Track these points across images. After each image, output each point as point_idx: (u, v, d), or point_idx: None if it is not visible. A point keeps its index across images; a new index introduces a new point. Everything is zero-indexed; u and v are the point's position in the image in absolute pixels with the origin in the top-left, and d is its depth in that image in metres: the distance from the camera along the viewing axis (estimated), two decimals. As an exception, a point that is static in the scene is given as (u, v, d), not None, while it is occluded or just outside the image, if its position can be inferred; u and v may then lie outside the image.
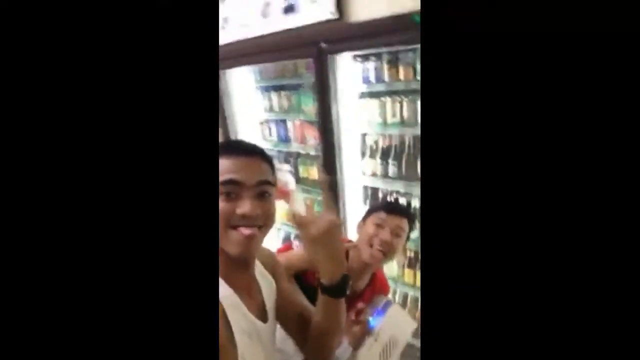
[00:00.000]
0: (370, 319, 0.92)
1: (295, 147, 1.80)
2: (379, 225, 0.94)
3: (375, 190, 1.61)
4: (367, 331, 0.91)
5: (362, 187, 1.62)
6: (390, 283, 1.57)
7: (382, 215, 0.95)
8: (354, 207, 1.58)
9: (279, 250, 1.04)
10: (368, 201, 1.64)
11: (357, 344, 0.90)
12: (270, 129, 1.90)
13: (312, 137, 1.68)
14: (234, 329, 0.56)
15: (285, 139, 1.85)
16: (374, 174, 1.55)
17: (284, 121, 1.82)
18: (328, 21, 1.23)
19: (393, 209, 0.97)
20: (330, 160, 1.50)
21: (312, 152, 1.70)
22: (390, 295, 1.59)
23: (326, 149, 1.49)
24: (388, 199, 1.57)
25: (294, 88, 1.71)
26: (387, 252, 0.94)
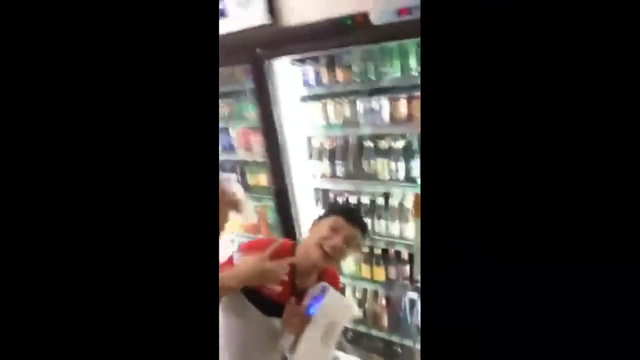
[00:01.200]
0: (310, 307, 0.96)
1: (241, 154, 1.75)
2: (334, 229, 0.96)
3: (325, 192, 1.62)
4: (305, 319, 0.94)
5: (313, 190, 1.62)
6: (349, 280, 1.60)
7: (340, 221, 0.97)
8: (306, 210, 1.57)
9: (221, 265, 1.01)
10: (320, 203, 1.65)
11: (297, 332, 0.94)
12: (212, 138, 1.82)
13: (257, 144, 1.65)
14: None
15: (229, 148, 1.79)
16: (323, 176, 1.56)
17: (226, 129, 1.76)
18: (261, 26, 1.21)
19: (352, 218, 0.99)
20: (278, 165, 1.48)
21: (259, 159, 1.67)
22: (348, 292, 1.63)
23: (272, 154, 1.47)
24: (339, 199, 1.59)
25: (234, 95, 1.66)
26: (335, 258, 0.96)
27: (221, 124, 1.76)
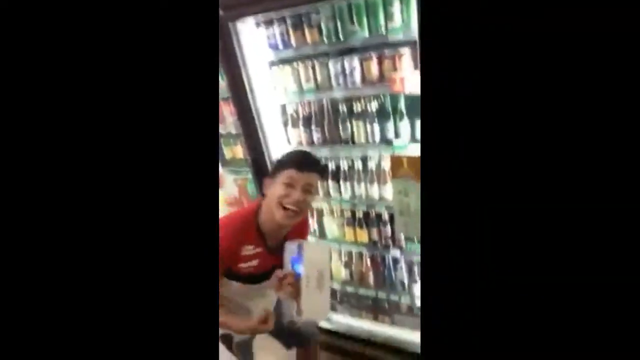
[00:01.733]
0: (295, 268, 0.98)
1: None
2: (288, 185, 0.93)
3: (303, 159, 1.60)
4: (296, 282, 0.96)
5: (290, 158, 1.60)
6: (334, 243, 1.63)
7: (291, 173, 0.93)
8: (286, 180, 1.56)
9: None
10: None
11: (294, 296, 0.96)
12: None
13: (229, 115, 1.59)
14: None
15: (201, 121, 1.72)
16: (299, 143, 1.53)
17: (195, 101, 1.68)
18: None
19: (304, 166, 0.95)
20: (252, 136, 1.44)
21: (233, 131, 1.62)
22: (335, 255, 1.67)
23: (246, 125, 1.43)
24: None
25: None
26: (299, 211, 0.95)
27: (190, 97, 1.68)
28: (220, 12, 1.18)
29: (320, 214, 1.65)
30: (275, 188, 0.94)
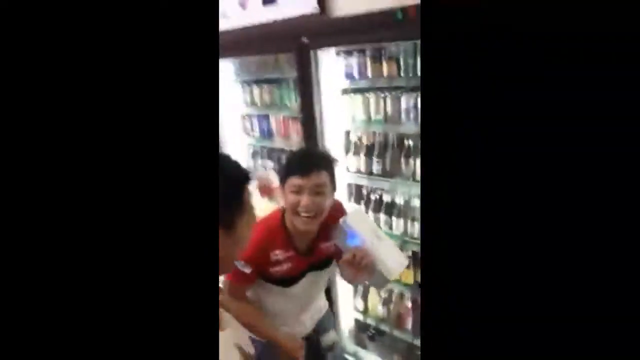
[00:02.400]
0: (353, 243, 0.93)
1: (278, 142, 1.77)
2: (296, 192, 0.91)
3: (359, 187, 1.59)
4: (365, 253, 0.90)
5: (346, 185, 1.60)
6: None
7: (296, 180, 0.91)
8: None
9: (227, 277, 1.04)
10: (352, 198, 1.62)
11: (373, 267, 0.91)
12: (252, 123, 1.85)
13: (295, 133, 1.65)
14: None
15: (268, 135, 1.80)
16: (358, 171, 1.53)
17: (266, 116, 1.77)
18: (310, 15, 1.19)
19: (305, 169, 0.91)
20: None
21: (296, 148, 1.67)
22: (373, 290, 1.61)
23: (309, 145, 1.46)
24: (372, 197, 1.56)
25: (276, 82, 1.66)
26: (315, 215, 0.93)
27: (261, 111, 1.78)
28: (305, 39, 1.24)
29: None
30: (286, 197, 0.94)
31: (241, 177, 0.59)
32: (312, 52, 1.26)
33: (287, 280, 1.04)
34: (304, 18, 1.21)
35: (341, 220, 0.95)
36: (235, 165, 0.60)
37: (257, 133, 1.85)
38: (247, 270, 0.98)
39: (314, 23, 1.20)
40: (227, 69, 1.79)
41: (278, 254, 1.00)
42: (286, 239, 1.01)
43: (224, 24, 1.45)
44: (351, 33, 1.14)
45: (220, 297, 1.04)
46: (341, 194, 1.61)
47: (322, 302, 1.26)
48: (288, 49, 1.31)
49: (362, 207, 1.57)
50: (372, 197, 1.57)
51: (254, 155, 1.93)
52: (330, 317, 1.34)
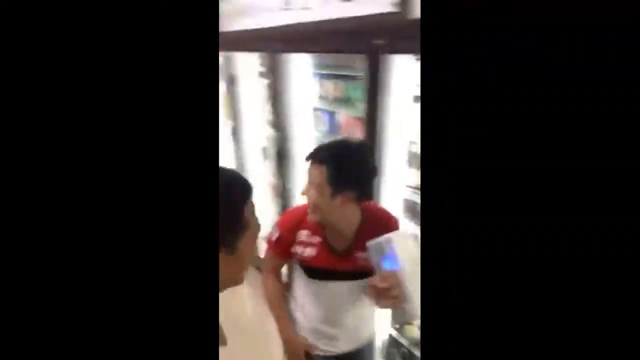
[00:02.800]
0: (389, 266, 0.83)
1: (342, 142, 1.72)
2: (306, 187, 0.90)
3: (416, 206, 1.46)
4: (398, 281, 0.80)
5: (403, 200, 1.48)
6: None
7: (308, 167, 0.89)
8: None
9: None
10: (408, 216, 1.50)
11: (401, 300, 0.82)
12: (322, 118, 1.83)
13: (360, 133, 1.57)
14: None
15: (333, 131, 1.77)
16: (417, 187, 1.40)
17: (332, 112, 1.73)
18: (386, 14, 1.09)
19: (310, 157, 0.88)
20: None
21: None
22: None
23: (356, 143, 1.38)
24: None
25: (347, 79, 1.60)
26: (313, 209, 0.90)
27: (332, 107, 1.74)
28: (378, 41, 1.15)
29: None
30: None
31: (239, 195, 0.57)
32: (383, 55, 1.16)
33: (316, 272, 1.01)
34: (380, 17, 1.11)
35: (384, 237, 0.85)
36: (233, 181, 0.57)
37: (325, 128, 1.83)
38: (275, 236, 1.03)
39: (390, 24, 1.10)
40: (306, 61, 1.79)
41: (305, 234, 1.00)
42: (316, 223, 0.97)
43: (306, 16, 1.43)
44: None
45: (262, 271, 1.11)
46: (396, 210, 1.50)
47: (366, 330, 1.17)
48: (359, 49, 1.23)
49: (416, 230, 1.44)
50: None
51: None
52: (371, 354, 1.26)
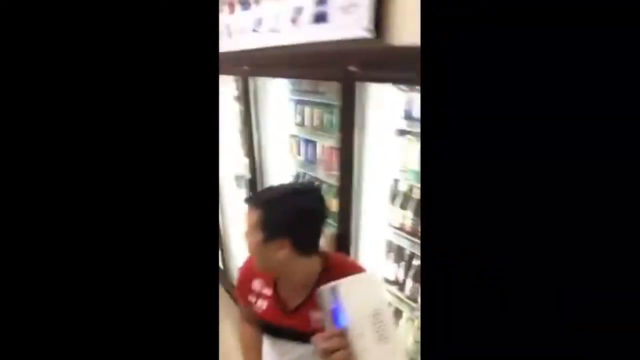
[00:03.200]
0: (337, 321, 0.63)
1: (320, 173, 1.57)
2: (243, 235, 0.84)
3: (401, 249, 1.30)
4: (345, 339, 0.60)
5: (385, 241, 1.33)
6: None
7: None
8: (371, 265, 1.30)
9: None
10: (391, 258, 1.34)
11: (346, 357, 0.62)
12: (299, 146, 1.68)
13: (337, 166, 1.43)
14: None
15: (312, 162, 1.62)
16: (401, 228, 1.25)
17: (313, 142, 1.59)
18: (361, 40, 0.96)
19: (245, 202, 0.82)
20: (346, 199, 1.23)
21: (335, 183, 1.45)
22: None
23: (344, 186, 1.23)
24: (414, 262, 1.26)
25: (328, 107, 1.46)
26: (249, 246, 0.82)
27: (309, 135, 1.60)
28: (352, 69, 1.02)
29: (398, 315, 1.33)
30: None
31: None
32: (358, 84, 1.02)
33: (266, 327, 0.92)
34: (354, 42, 0.98)
35: (330, 284, 0.65)
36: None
37: (302, 158, 1.68)
38: (236, 281, 0.99)
39: (365, 50, 0.97)
40: (282, 86, 1.65)
41: (258, 284, 0.93)
42: (269, 276, 0.90)
43: (276, 39, 1.30)
44: (405, 67, 0.87)
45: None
46: (377, 250, 1.34)
47: None
48: (333, 76, 1.10)
49: (395, 270, 1.28)
50: (415, 262, 1.27)
51: (296, 179, 1.77)
52: None
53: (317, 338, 0.65)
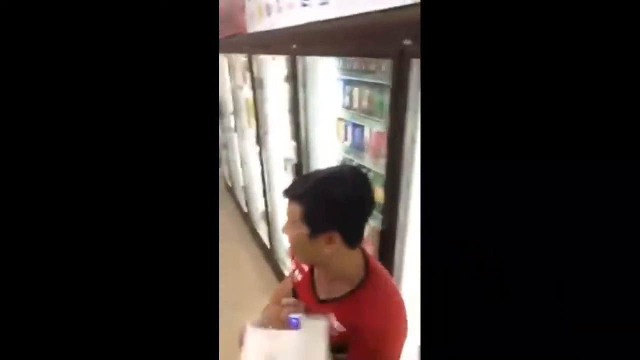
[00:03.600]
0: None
1: (367, 160, 1.46)
2: (283, 228, 0.78)
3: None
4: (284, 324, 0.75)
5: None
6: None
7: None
8: (413, 260, 1.18)
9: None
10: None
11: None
12: (346, 131, 1.59)
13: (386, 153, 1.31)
14: None
15: (359, 148, 1.52)
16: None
17: (361, 127, 1.48)
18: (411, 6, 0.82)
19: (284, 195, 0.75)
20: (394, 190, 1.12)
21: (382, 171, 1.34)
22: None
23: (392, 175, 1.12)
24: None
25: (378, 87, 1.34)
26: (294, 251, 0.82)
27: (357, 119, 1.50)
28: (406, 42, 0.89)
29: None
30: None
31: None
32: (413, 60, 0.89)
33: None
34: (405, 10, 0.85)
35: (294, 316, 0.75)
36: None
37: (348, 143, 1.59)
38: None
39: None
40: (330, 64, 1.56)
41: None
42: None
43: (325, 13, 1.20)
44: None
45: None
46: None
47: None
48: (385, 52, 0.97)
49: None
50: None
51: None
52: None
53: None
